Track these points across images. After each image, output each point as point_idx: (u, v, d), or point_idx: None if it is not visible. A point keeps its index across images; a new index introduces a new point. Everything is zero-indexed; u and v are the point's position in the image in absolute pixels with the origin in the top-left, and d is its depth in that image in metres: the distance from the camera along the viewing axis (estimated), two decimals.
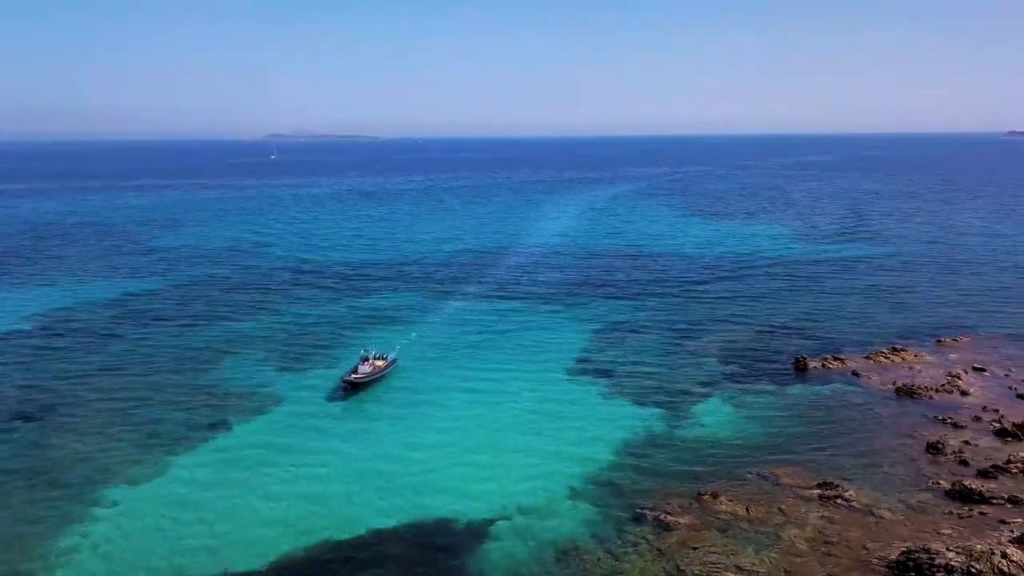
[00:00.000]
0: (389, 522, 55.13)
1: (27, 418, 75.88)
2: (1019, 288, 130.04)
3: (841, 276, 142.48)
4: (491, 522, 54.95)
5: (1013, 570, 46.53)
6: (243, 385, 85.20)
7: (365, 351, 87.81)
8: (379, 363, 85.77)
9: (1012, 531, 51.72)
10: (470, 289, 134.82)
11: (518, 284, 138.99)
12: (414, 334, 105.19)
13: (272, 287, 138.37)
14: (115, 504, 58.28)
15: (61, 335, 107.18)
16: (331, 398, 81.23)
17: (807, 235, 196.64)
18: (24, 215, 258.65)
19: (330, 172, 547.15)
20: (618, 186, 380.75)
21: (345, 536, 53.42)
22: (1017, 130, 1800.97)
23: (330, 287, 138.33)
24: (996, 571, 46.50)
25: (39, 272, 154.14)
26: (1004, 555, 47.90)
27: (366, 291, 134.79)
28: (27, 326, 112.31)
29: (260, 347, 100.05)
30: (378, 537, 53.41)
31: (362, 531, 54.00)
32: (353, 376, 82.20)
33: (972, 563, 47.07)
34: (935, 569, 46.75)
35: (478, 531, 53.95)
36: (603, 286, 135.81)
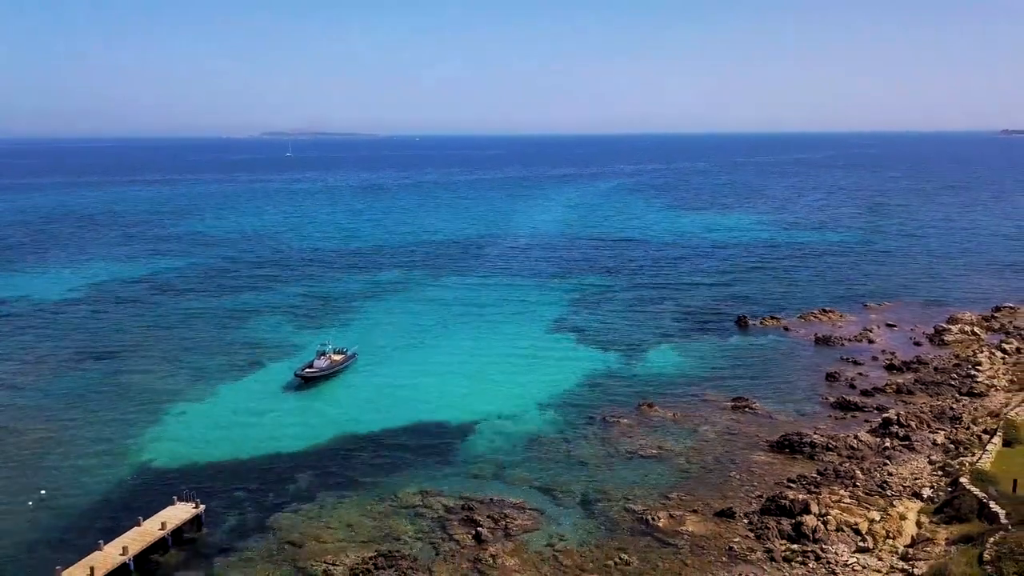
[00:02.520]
0: (398, 423, 71.39)
1: (97, 358, 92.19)
2: (953, 269, 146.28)
3: (795, 257, 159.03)
4: (476, 423, 71.23)
5: (860, 446, 62.90)
6: (270, 338, 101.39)
7: (322, 345, 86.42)
8: (336, 357, 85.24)
9: (870, 425, 68.11)
10: (463, 267, 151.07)
11: (506, 264, 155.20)
12: (413, 300, 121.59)
13: (284, 266, 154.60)
14: (183, 413, 74.57)
15: (108, 302, 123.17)
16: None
17: (775, 224, 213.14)
18: (50, 206, 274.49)
19: (341, 167, 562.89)
20: (608, 181, 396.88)
21: (364, 431, 69.66)
22: (1010, 129, 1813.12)
23: (337, 266, 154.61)
24: (846, 446, 62.89)
25: (76, 254, 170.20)
26: (856, 437, 64.40)
27: (370, 269, 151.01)
28: (76, 295, 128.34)
29: (279, 311, 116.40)
30: (390, 433, 69.50)
31: (376, 429, 70.17)
32: (307, 371, 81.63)
33: (829, 441, 63.55)
34: (803, 445, 63.14)
35: (466, 429, 70.15)
36: (581, 266, 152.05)
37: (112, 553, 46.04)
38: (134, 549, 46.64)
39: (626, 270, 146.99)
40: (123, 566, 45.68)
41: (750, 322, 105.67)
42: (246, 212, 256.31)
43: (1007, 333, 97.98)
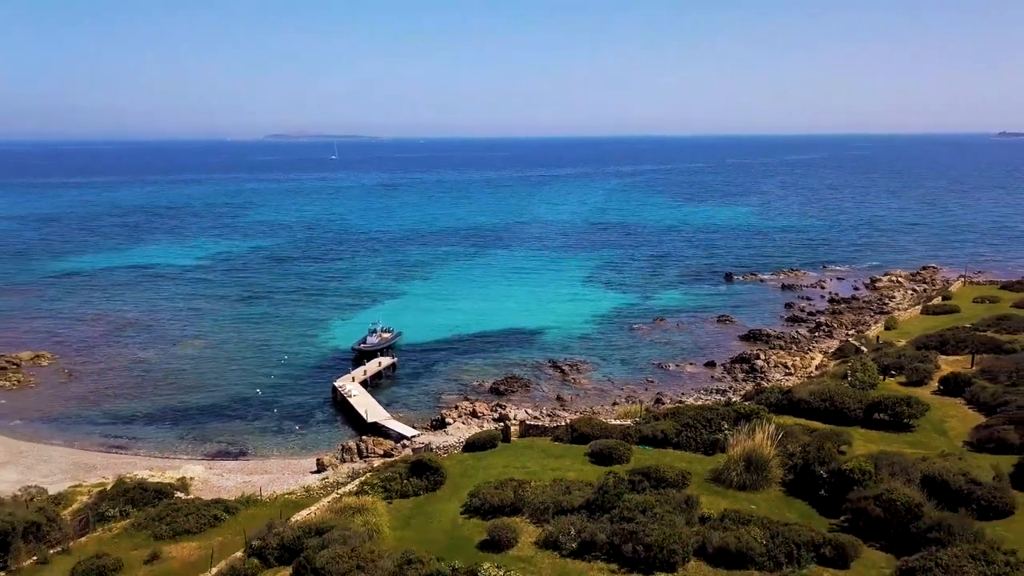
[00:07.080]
0: (491, 329, 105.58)
1: (253, 300, 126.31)
2: (902, 245, 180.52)
3: (775, 236, 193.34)
4: (544, 329, 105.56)
5: (798, 336, 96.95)
6: (376, 287, 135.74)
7: (373, 324, 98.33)
8: (385, 335, 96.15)
9: (808, 328, 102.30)
10: (507, 244, 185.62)
11: (540, 242, 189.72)
12: (474, 264, 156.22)
13: (359, 243, 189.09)
14: (331, 328, 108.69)
15: (231, 267, 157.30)
16: (429, 293, 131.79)
17: (761, 214, 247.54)
18: (126, 201, 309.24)
19: (375, 168, 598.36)
20: (617, 179, 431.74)
21: (471, 332, 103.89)
22: (1008, 131, 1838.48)
23: (409, 242, 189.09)
24: (790, 336, 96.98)
25: (184, 235, 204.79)
26: (797, 332, 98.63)
27: (432, 244, 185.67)
28: (206, 263, 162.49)
29: (373, 271, 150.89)
30: (487, 334, 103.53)
31: (478, 331, 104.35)
32: (362, 346, 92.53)
33: (780, 333, 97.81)
34: (762, 335, 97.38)
35: (538, 332, 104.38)
36: (599, 244, 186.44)
37: (358, 373, 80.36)
38: (369, 372, 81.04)
39: (638, 245, 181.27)
40: (364, 380, 79.93)
41: (734, 276, 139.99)
42: (316, 203, 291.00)
43: (925, 282, 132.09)
